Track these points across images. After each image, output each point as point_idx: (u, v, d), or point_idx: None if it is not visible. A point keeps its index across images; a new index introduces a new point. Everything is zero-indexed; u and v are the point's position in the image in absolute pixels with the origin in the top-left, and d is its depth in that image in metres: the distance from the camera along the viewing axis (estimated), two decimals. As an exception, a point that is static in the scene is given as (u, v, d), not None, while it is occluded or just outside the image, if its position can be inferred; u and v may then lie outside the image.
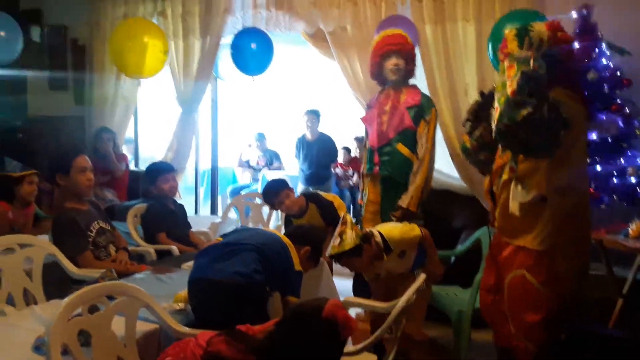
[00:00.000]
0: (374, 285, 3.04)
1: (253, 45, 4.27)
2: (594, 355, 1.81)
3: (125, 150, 5.54)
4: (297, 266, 2.30)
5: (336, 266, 3.41)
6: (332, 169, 6.07)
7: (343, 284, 3.68)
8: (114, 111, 5.19)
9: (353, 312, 3.45)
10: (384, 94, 3.40)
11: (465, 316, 2.80)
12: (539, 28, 1.97)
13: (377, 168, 3.30)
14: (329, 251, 2.56)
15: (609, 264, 3.01)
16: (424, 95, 3.32)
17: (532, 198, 2.01)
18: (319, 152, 5.66)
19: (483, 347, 3.21)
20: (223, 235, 2.40)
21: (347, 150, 6.19)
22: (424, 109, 3.22)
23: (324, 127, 5.78)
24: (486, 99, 2.37)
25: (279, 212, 4.02)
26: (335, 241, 2.52)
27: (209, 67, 4.86)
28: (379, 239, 2.58)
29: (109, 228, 2.97)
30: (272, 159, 6.71)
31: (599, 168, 3.31)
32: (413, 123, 3.21)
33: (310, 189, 5.42)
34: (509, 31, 2.01)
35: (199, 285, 2.10)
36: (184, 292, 2.22)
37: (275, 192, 3.39)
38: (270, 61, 4.44)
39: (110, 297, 1.86)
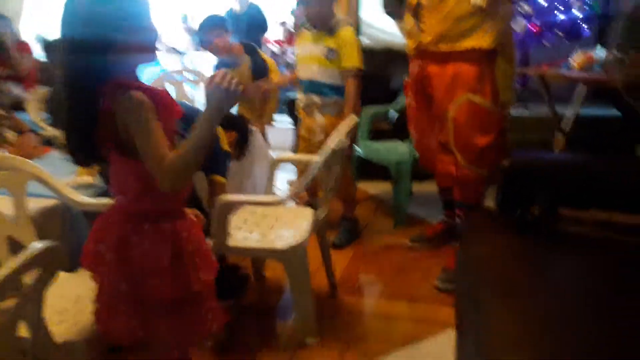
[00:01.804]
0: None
1: None
2: (535, 178, 1.71)
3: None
4: (225, 146, 2.09)
5: (273, 139, 3.21)
6: (264, 44, 5.65)
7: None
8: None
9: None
10: None
11: (404, 166, 2.68)
12: None
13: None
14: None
15: (550, 99, 2.90)
16: None
17: None
18: (249, 26, 5.19)
19: (425, 197, 3.17)
20: None
21: (284, 24, 5.75)
22: None
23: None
24: None
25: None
26: None
27: None
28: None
29: (3, 113, 2.59)
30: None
31: (543, 2, 3.09)
32: None
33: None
34: None
35: None
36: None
37: (209, 27, 2.97)
38: None
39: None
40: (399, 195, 2.75)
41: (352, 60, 2.45)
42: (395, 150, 2.90)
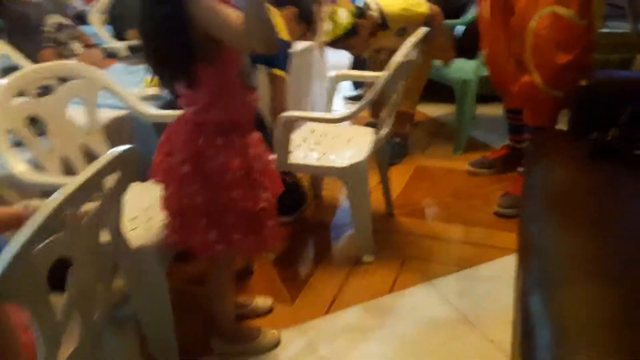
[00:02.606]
0: (372, 68, 2.76)
1: None
2: (614, 100, 1.60)
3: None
4: (282, 33, 2.00)
5: (330, 57, 3.12)
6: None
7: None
8: None
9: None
10: None
11: (470, 85, 2.57)
12: None
13: None
14: (322, 38, 2.24)
15: (635, 14, 2.65)
16: None
17: None
18: None
19: (488, 121, 3.07)
20: None
21: None
22: None
23: None
24: None
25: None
26: (327, 25, 2.18)
27: None
28: (376, 13, 2.23)
29: (69, 23, 2.64)
30: None
31: None
32: None
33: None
34: None
35: None
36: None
37: None
38: None
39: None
40: (462, 117, 2.66)
41: (420, 12, 2.35)
42: (461, 69, 2.77)
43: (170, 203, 1.30)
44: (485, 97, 3.09)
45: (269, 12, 1.83)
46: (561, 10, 1.85)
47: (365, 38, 2.32)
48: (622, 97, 1.61)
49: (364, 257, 1.87)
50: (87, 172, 0.88)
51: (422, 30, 1.83)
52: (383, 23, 2.29)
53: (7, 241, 0.74)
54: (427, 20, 2.35)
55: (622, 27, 2.88)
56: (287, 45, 2.03)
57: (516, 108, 2.22)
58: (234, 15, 1.06)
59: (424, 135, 2.98)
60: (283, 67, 2.02)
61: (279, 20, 1.96)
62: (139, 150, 1.03)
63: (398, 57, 1.66)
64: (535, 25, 1.89)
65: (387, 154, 2.52)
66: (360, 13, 2.27)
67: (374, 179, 2.11)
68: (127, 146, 0.94)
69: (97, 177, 0.89)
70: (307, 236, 2.09)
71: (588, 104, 1.67)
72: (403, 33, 2.35)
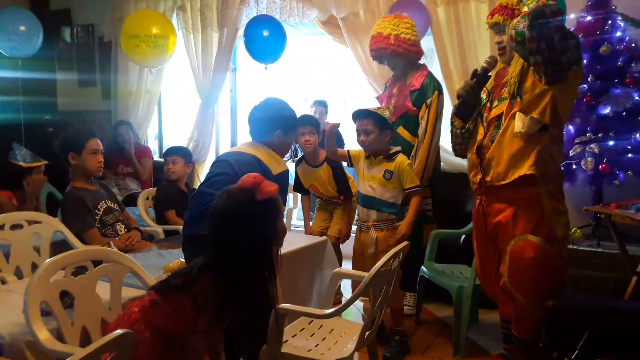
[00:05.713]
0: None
1: (265, 33, 4.32)
2: (578, 323, 1.75)
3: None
4: None
5: (345, 250, 3.42)
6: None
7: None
8: (137, 104, 5.35)
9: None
10: (394, 76, 3.39)
11: (466, 292, 2.74)
12: None
13: None
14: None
15: (620, 240, 2.88)
16: (428, 77, 3.24)
17: (535, 125, 2.11)
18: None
19: (492, 326, 3.15)
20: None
21: None
22: (425, 92, 3.17)
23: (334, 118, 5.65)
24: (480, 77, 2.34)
25: (297, 199, 4.09)
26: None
27: (226, 58, 4.96)
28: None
29: (117, 208, 3.07)
30: (297, 150, 6.74)
31: (612, 143, 3.18)
32: (414, 106, 3.18)
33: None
34: None
35: (191, 242, 2.15)
36: (173, 263, 2.28)
37: (305, 122, 3.41)
38: (283, 48, 4.46)
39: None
40: (459, 321, 2.78)
41: (413, 181, 2.75)
42: (459, 274, 2.98)
43: None
44: (491, 303, 3.23)
45: None
46: (532, 237, 2.13)
47: (377, 142, 2.77)
48: (583, 320, 1.76)
49: None
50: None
51: (404, 244, 2.09)
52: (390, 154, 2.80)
53: None
54: (416, 189, 2.78)
55: (612, 248, 3.10)
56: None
57: (507, 318, 2.37)
58: None
59: (427, 335, 3.07)
60: None
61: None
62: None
63: (378, 264, 1.90)
64: (511, 248, 2.15)
65: (391, 349, 2.65)
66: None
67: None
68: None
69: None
70: None
71: (554, 322, 1.83)
72: (389, 177, 2.75)
